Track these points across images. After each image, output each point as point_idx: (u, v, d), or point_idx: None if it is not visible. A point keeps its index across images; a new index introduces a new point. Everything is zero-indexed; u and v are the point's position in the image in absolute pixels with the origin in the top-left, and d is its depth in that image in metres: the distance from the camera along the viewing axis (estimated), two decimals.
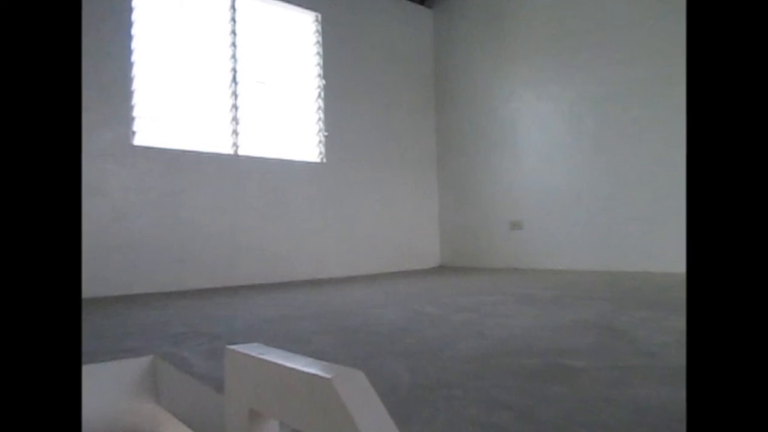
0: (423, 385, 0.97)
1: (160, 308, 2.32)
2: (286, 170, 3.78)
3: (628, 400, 0.84)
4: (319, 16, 4.04)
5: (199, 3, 3.47)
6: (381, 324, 1.69)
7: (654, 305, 1.90)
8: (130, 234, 3.05)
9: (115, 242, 2.99)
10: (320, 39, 4.03)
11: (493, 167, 4.29)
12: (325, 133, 4.02)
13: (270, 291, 3.03)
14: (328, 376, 0.50)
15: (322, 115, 4.01)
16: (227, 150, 3.54)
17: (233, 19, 3.60)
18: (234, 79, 3.56)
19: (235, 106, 3.56)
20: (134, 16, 3.14)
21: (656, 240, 3.24)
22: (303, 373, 0.54)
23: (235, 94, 3.56)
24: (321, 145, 4.01)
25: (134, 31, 3.13)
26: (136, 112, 3.13)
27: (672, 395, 0.86)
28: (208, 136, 3.46)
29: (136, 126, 3.13)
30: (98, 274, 2.86)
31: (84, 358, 1.26)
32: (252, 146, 3.65)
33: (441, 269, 4.48)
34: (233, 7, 3.60)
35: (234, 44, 3.58)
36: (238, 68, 3.58)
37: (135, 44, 3.13)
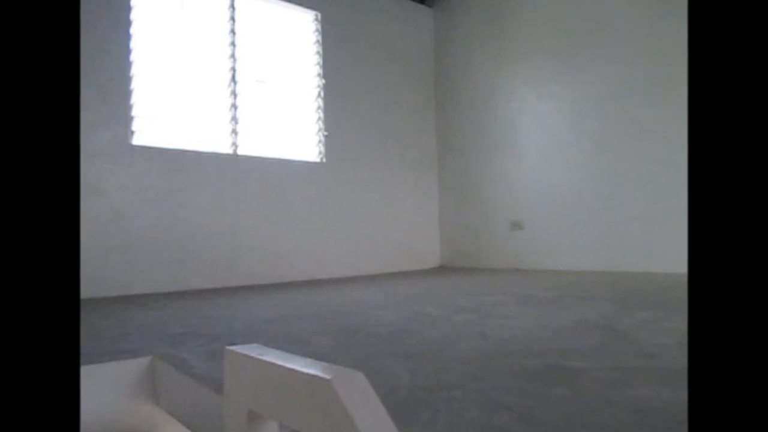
0: (423, 386, 0.96)
1: (159, 309, 2.32)
2: (285, 170, 3.77)
3: (629, 402, 0.84)
4: (319, 15, 4.03)
5: (199, 2, 3.47)
6: (381, 325, 1.68)
7: (655, 306, 1.90)
8: (129, 234, 3.04)
9: (114, 242, 2.98)
10: (320, 38, 4.02)
11: (494, 167, 4.29)
12: (325, 133, 4.01)
13: (269, 291, 3.02)
14: (327, 377, 0.50)
15: (321, 115, 4.01)
16: (226, 150, 3.53)
17: (232, 18, 3.59)
18: (233, 79, 3.56)
19: (234, 106, 3.55)
20: (133, 15, 3.13)
21: (657, 240, 3.23)
22: (302, 374, 0.53)
23: (234, 94, 3.55)
24: (321, 144, 4.01)
25: (133, 29, 3.13)
26: (134, 112, 3.12)
27: (673, 396, 0.85)
28: (207, 136, 3.46)
29: (135, 125, 3.13)
30: (96, 275, 2.85)
31: (82, 359, 1.25)
32: (251, 146, 3.65)
33: (441, 269, 4.47)
34: (232, 6, 3.60)
35: (233, 43, 3.57)
36: (237, 67, 3.57)
37: (133, 43, 3.12)
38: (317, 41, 4.03)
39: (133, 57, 3.12)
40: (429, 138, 4.76)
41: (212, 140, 3.48)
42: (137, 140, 3.13)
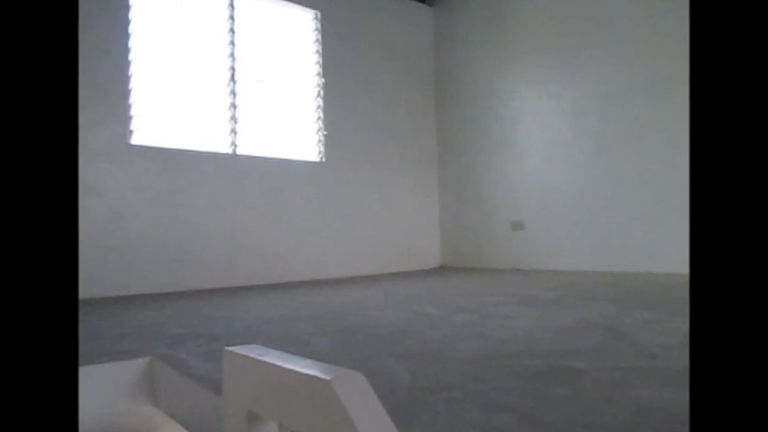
0: (423, 387, 0.96)
1: (158, 309, 2.31)
2: (285, 170, 3.76)
3: (630, 402, 0.83)
4: (319, 14, 4.03)
5: (198, 1, 3.46)
6: (380, 325, 1.68)
7: (657, 306, 1.89)
8: (127, 234, 3.03)
9: (112, 242, 2.97)
10: (319, 37, 4.02)
11: (494, 166, 4.29)
12: (325, 132, 4.00)
13: (268, 291, 3.02)
14: (327, 377, 0.50)
15: (321, 114, 4.00)
16: (225, 149, 3.52)
17: (232, 17, 3.58)
18: (232, 78, 3.55)
19: (233, 105, 3.55)
20: (132, 14, 3.13)
21: (659, 240, 3.23)
22: (302, 374, 0.53)
23: (233, 93, 3.55)
24: (320, 144, 4.00)
25: (131, 28, 3.12)
26: (133, 111, 3.12)
27: (675, 397, 0.85)
28: (206, 135, 3.45)
29: (133, 125, 3.12)
30: (95, 275, 2.85)
31: (81, 359, 1.24)
32: (251, 145, 3.64)
33: (441, 270, 4.47)
34: (232, 5, 3.59)
35: (232, 42, 3.56)
36: (236, 66, 3.57)
37: (132, 42, 3.12)
38: (317, 40, 4.02)
39: (131, 56, 3.11)
40: (429, 137, 4.75)
41: (211, 140, 3.47)
42: (136, 140, 3.12)
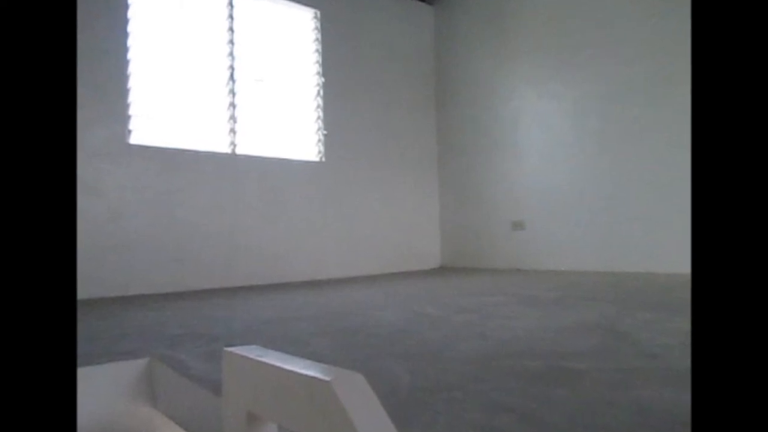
0: (423, 387, 0.96)
1: (157, 309, 2.31)
2: (284, 169, 3.76)
3: (631, 403, 0.83)
4: (319, 12, 4.02)
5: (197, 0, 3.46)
6: (381, 325, 1.68)
7: (658, 306, 1.89)
8: (126, 234, 3.03)
9: (111, 242, 2.97)
10: (319, 36, 4.01)
11: (495, 166, 4.28)
12: (324, 132, 4.00)
13: (268, 292, 3.01)
14: (327, 378, 0.49)
15: (321, 114, 4.00)
16: (225, 149, 3.52)
17: (231, 16, 3.58)
18: (231, 77, 3.55)
19: (232, 104, 3.54)
20: (130, 13, 3.12)
21: (660, 240, 3.22)
22: (302, 375, 0.53)
23: (232, 92, 3.54)
24: (320, 143, 4.00)
25: (130, 28, 3.11)
26: (131, 111, 3.11)
27: (676, 397, 0.85)
28: (205, 135, 3.44)
29: (132, 124, 3.11)
30: (94, 275, 2.84)
31: (79, 360, 1.24)
32: (250, 145, 3.64)
33: (442, 270, 4.47)
34: (231, 4, 3.59)
35: (231, 41, 3.56)
36: (235, 66, 3.56)
37: (131, 41, 3.11)
38: (316, 39, 4.02)
39: (130, 55, 3.10)
40: (429, 137, 4.75)
41: (210, 139, 3.47)
42: (135, 139, 3.12)
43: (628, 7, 3.41)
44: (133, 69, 3.12)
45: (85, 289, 2.76)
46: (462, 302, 2.19)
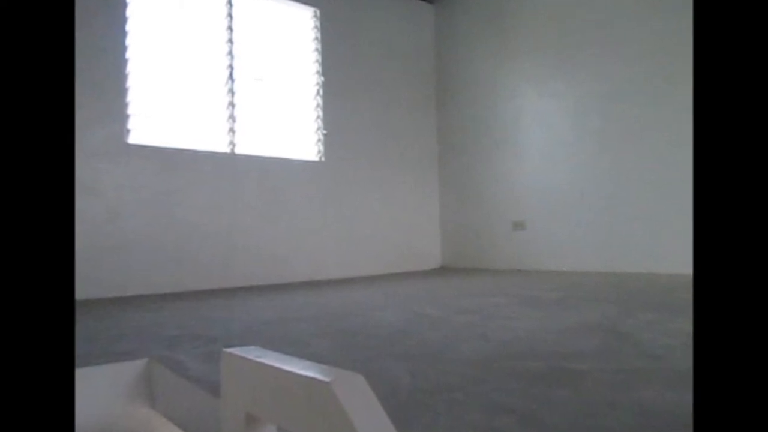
0: (424, 388, 0.95)
1: (155, 310, 2.30)
2: (284, 169, 3.75)
3: (633, 404, 0.83)
4: (318, 11, 4.02)
5: None
6: (381, 326, 1.67)
7: (659, 307, 1.89)
8: (124, 234, 3.02)
9: (109, 242, 2.96)
10: (319, 35, 4.00)
11: (495, 166, 4.28)
12: (324, 132, 3.99)
13: (267, 292, 3.01)
14: (326, 379, 0.49)
15: (320, 113, 3.99)
16: (224, 148, 3.51)
17: (230, 15, 3.57)
18: (231, 76, 3.54)
19: (231, 104, 3.54)
20: (129, 11, 3.11)
21: (662, 240, 3.22)
22: (301, 376, 0.53)
23: (231, 92, 3.54)
24: (320, 143, 3.99)
25: (129, 26, 3.10)
26: (130, 110, 3.10)
27: (678, 399, 0.84)
28: (204, 134, 3.44)
29: (131, 124, 3.11)
30: (91, 276, 2.83)
31: (77, 361, 1.23)
32: (249, 144, 3.63)
33: (442, 270, 4.47)
34: (230, 3, 3.58)
35: (231, 40, 3.55)
36: (234, 65, 3.56)
37: (129, 40, 3.10)
38: (316, 38, 4.01)
39: (128, 54, 3.10)
40: (429, 137, 4.75)
41: (209, 139, 3.46)
42: (133, 139, 3.11)
43: (629, 6, 3.40)
44: (131, 68, 3.11)
45: (83, 290, 2.75)
46: (462, 303, 2.19)
